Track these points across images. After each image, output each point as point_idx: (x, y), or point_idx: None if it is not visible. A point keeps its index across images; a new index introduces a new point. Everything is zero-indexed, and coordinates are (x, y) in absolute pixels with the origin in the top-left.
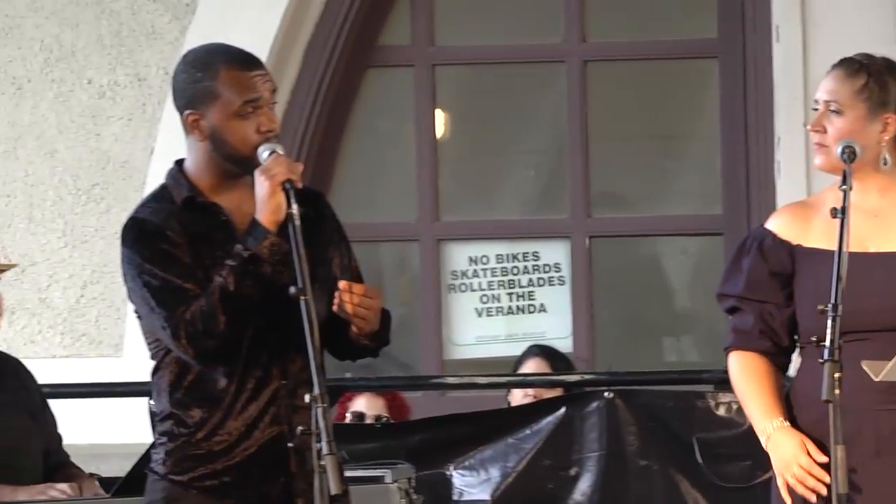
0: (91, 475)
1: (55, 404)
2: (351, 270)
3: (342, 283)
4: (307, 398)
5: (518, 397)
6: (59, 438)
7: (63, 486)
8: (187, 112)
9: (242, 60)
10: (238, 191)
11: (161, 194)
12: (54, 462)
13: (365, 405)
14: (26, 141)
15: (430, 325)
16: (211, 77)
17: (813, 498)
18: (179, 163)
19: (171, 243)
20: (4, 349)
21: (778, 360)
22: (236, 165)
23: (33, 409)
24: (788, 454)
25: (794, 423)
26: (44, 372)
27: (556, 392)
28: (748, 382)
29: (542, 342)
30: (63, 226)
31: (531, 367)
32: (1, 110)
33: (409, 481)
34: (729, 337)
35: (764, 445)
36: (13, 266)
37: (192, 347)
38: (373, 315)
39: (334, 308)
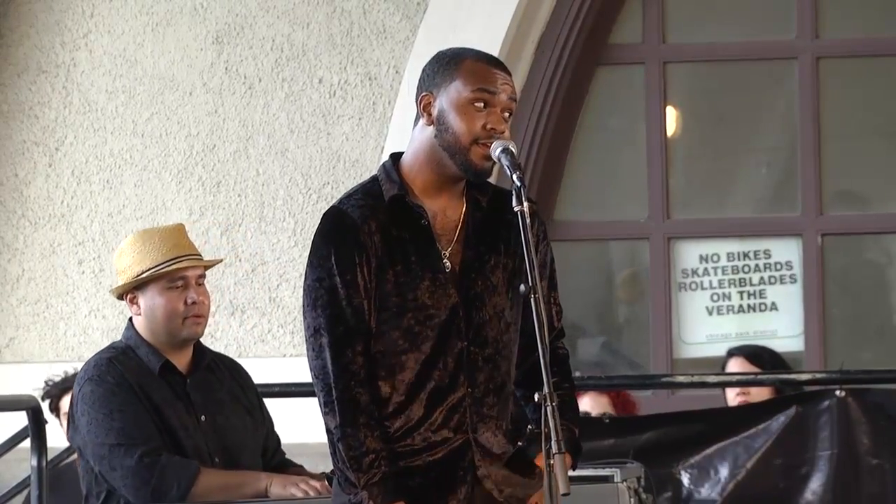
0: (324, 474)
1: (285, 403)
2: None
3: None
4: (536, 397)
5: (731, 398)
6: (276, 438)
7: (316, 483)
8: (423, 94)
9: (489, 59)
10: (446, 195)
11: (371, 187)
12: (279, 462)
13: (589, 404)
14: (257, 140)
15: (661, 324)
16: (455, 64)
17: None
18: (395, 156)
19: (360, 249)
20: (235, 348)
21: None
22: (451, 156)
23: (250, 408)
24: None
25: None
26: (274, 371)
27: (768, 392)
28: None
29: (772, 341)
30: (294, 225)
31: (733, 366)
32: (232, 109)
33: (638, 480)
34: None
35: None
36: (219, 262)
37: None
38: None
39: None
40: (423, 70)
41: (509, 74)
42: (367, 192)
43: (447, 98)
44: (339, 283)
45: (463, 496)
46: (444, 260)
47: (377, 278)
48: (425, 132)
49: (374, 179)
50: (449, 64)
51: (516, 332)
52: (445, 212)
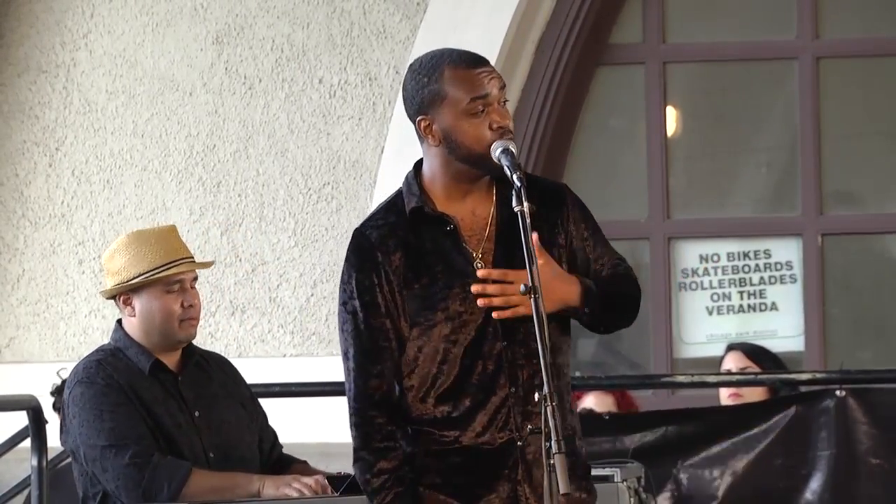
0: (339, 474)
1: (285, 403)
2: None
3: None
4: (536, 397)
5: (724, 396)
6: (272, 433)
7: (309, 480)
8: (419, 118)
9: (467, 59)
10: (473, 195)
11: (394, 202)
12: (279, 456)
13: (594, 402)
14: (257, 140)
15: (661, 324)
16: (436, 80)
17: None
18: (418, 166)
19: (377, 270)
20: (235, 348)
21: None
22: (473, 166)
23: (243, 401)
24: None
25: None
26: (274, 371)
27: (761, 392)
28: None
29: (772, 341)
30: (294, 225)
31: (730, 360)
32: (232, 110)
33: (638, 480)
34: None
35: None
36: (211, 264)
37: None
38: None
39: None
40: (405, 90)
41: (488, 63)
42: (390, 209)
43: (444, 118)
44: (358, 305)
45: (506, 495)
46: (477, 261)
47: (402, 295)
48: (436, 151)
49: (398, 193)
50: (430, 81)
51: (558, 325)
52: (474, 212)
